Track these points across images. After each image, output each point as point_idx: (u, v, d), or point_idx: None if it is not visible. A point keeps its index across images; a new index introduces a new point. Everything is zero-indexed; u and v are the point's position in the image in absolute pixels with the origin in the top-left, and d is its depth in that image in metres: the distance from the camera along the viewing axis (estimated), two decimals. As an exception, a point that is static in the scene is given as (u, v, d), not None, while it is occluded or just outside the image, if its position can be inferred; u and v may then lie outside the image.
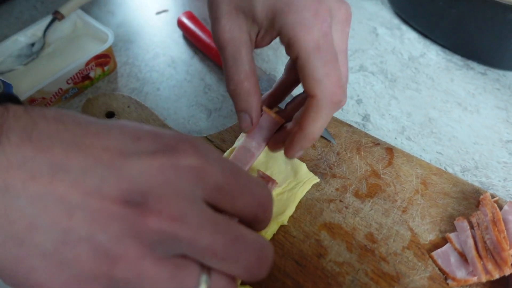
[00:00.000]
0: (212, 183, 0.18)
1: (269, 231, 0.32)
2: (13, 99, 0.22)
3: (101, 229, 0.16)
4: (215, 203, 0.19)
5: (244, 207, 0.19)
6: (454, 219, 0.33)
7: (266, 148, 0.38)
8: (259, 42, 0.28)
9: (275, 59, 0.50)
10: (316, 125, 0.26)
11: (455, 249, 0.31)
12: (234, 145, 0.37)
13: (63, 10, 0.49)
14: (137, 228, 0.16)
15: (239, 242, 0.18)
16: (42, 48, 0.48)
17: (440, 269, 0.31)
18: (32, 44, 0.48)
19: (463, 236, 0.31)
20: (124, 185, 0.16)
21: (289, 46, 0.25)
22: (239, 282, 0.30)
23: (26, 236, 0.16)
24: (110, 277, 0.16)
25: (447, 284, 0.30)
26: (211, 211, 0.18)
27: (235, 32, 0.26)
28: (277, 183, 0.34)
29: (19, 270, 0.16)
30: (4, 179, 0.16)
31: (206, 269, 0.18)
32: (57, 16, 0.49)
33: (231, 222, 0.18)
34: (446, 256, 0.31)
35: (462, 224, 0.32)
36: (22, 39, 0.48)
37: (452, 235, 0.32)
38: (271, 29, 0.26)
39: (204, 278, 0.18)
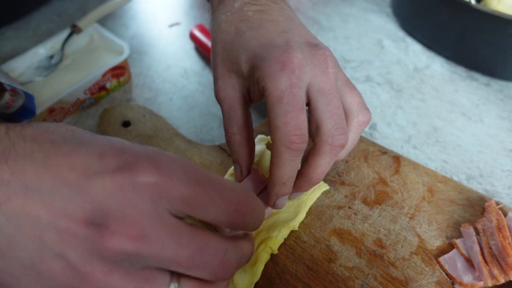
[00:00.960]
0: (176, 196, 0.18)
1: (280, 236, 0.33)
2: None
3: (69, 248, 0.17)
4: (186, 213, 0.19)
5: (219, 215, 0.20)
6: (460, 226, 0.34)
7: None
8: (252, 96, 0.30)
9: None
10: (280, 171, 0.27)
11: (462, 254, 0.32)
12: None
13: (81, 23, 0.51)
14: (100, 249, 0.17)
15: (202, 251, 0.19)
16: (61, 60, 0.50)
17: (447, 274, 0.32)
18: (51, 57, 0.50)
19: (469, 242, 0.32)
20: (87, 206, 0.18)
21: (263, 94, 0.27)
22: (253, 285, 0.31)
23: (7, 251, 0.18)
24: None
25: (454, 288, 0.31)
26: (177, 223, 0.19)
27: (228, 91, 0.30)
28: None
29: (7, 278, 0.18)
30: None
31: (176, 274, 0.19)
32: (75, 30, 0.51)
33: (195, 231, 0.19)
34: (453, 261, 0.32)
35: (468, 230, 0.33)
36: (41, 51, 0.50)
37: (458, 241, 0.33)
38: (255, 83, 0.28)
39: (173, 285, 0.19)
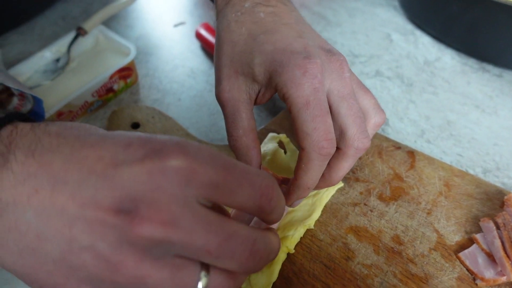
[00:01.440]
0: (205, 181, 0.18)
1: (296, 235, 0.33)
2: (21, 116, 0.25)
3: (99, 238, 0.17)
4: (214, 200, 0.19)
5: (246, 200, 0.19)
6: (479, 220, 0.33)
7: (290, 153, 0.39)
8: (260, 98, 0.30)
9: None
10: (308, 176, 0.27)
11: (482, 249, 0.31)
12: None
13: (86, 25, 0.51)
14: (131, 236, 0.17)
15: (231, 240, 0.18)
16: (67, 63, 0.49)
17: (468, 270, 0.31)
18: (57, 60, 0.50)
19: (490, 236, 0.32)
20: (116, 194, 0.17)
21: (283, 101, 0.27)
22: (270, 285, 0.31)
23: (37, 246, 0.18)
24: (114, 281, 0.17)
25: (476, 284, 0.30)
26: (205, 211, 0.18)
27: (234, 92, 0.29)
28: None
29: (38, 274, 0.18)
30: (12, 195, 0.17)
31: (205, 265, 0.19)
32: (80, 32, 0.51)
33: (224, 220, 0.19)
34: (473, 256, 0.31)
35: (488, 225, 0.32)
36: (47, 55, 0.50)
37: (478, 236, 0.32)
38: (269, 86, 0.28)
39: (203, 275, 0.19)
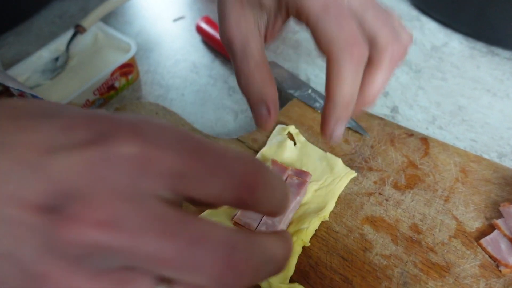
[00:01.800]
0: (165, 170, 0.14)
1: (311, 227, 0.32)
2: None
3: (18, 244, 0.13)
4: (180, 192, 0.15)
5: (221, 191, 0.15)
6: (499, 205, 0.32)
7: (299, 145, 0.38)
8: (270, 31, 0.27)
9: (296, 58, 0.50)
10: (343, 87, 0.23)
11: (505, 235, 0.30)
12: (266, 145, 0.37)
13: (84, 23, 0.50)
14: (55, 241, 0.13)
15: (197, 245, 0.14)
16: (66, 62, 0.48)
17: (491, 256, 0.30)
18: (56, 59, 0.49)
19: (511, 221, 0.31)
20: (43, 187, 0.13)
21: (299, 16, 0.24)
22: (287, 280, 0.30)
23: None
24: None
25: (500, 271, 0.29)
26: (163, 208, 0.14)
27: (241, 26, 0.26)
28: (311, 175, 0.34)
29: None
30: None
31: (166, 281, 0.15)
32: (79, 30, 0.49)
33: (188, 219, 0.14)
34: (495, 243, 0.30)
35: (509, 209, 0.31)
36: (46, 54, 0.49)
37: (499, 221, 0.31)
38: (279, 9, 0.25)
39: None
